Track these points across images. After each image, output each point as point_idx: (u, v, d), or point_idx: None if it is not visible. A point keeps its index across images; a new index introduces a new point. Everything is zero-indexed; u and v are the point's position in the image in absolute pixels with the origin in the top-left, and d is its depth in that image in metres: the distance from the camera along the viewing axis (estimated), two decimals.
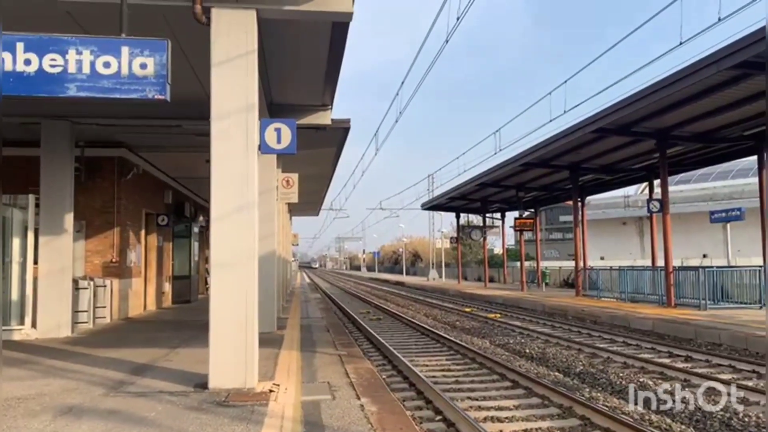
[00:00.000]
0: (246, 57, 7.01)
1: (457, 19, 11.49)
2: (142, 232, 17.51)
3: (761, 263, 18.32)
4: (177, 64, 7.40)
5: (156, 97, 6.33)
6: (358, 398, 6.35)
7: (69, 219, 12.06)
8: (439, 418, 7.18)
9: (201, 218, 25.41)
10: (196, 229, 23.05)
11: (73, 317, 12.32)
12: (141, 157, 16.31)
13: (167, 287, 20.54)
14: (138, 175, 16.20)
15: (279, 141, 7.36)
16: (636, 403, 7.89)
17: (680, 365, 10.36)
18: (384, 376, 9.23)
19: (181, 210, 21.60)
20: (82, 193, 13.81)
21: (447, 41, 11.43)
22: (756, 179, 20.71)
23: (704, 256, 42.68)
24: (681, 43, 11.71)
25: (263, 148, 7.33)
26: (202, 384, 6.79)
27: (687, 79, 13.02)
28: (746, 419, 6.82)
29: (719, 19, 10.73)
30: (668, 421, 6.97)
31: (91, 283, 13.56)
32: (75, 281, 12.74)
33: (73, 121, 12.17)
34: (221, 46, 6.95)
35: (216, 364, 6.75)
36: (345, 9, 7.41)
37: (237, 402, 6.07)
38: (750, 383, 8.80)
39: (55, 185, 11.94)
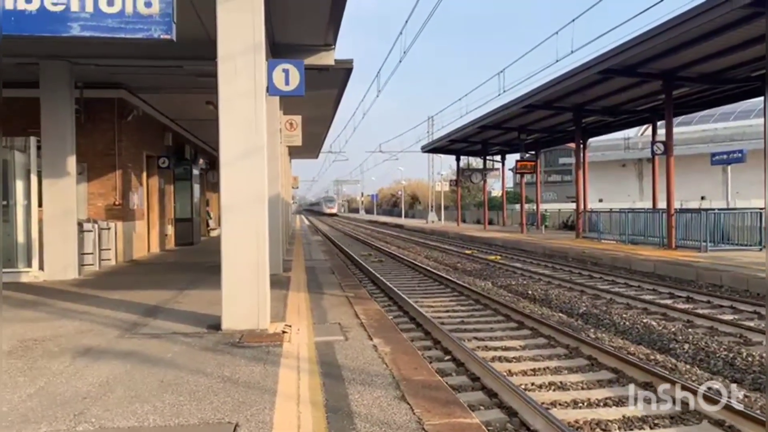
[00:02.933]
0: None
1: None
2: (144, 175, 17.43)
3: (761, 205, 18.37)
4: (178, 2, 7.20)
5: (162, 36, 6.17)
6: (371, 339, 6.45)
7: (71, 161, 11.97)
8: (447, 357, 7.32)
9: (201, 160, 25.28)
10: (196, 172, 22.97)
11: (79, 259, 12.38)
12: (141, 98, 16.08)
13: (170, 229, 20.61)
14: (138, 117, 16.00)
15: (287, 82, 7.24)
16: (639, 344, 8.08)
17: (682, 306, 10.52)
18: (390, 317, 9.36)
19: (181, 152, 21.46)
20: (83, 135, 13.63)
21: None
22: (758, 121, 20.52)
23: (702, 198, 42.76)
24: None
25: (271, 89, 7.22)
26: (215, 325, 6.87)
27: (698, 18, 12.73)
28: (749, 359, 6.95)
29: None
30: (673, 360, 7.11)
31: (96, 225, 13.58)
32: (79, 224, 12.74)
33: (71, 61, 11.92)
34: None
35: (229, 306, 6.80)
36: None
37: (252, 343, 6.16)
38: (751, 323, 8.96)
39: (56, 127, 11.79)
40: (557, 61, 25.01)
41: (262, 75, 6.90)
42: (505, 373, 6.41)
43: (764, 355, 7.08)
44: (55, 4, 6.01)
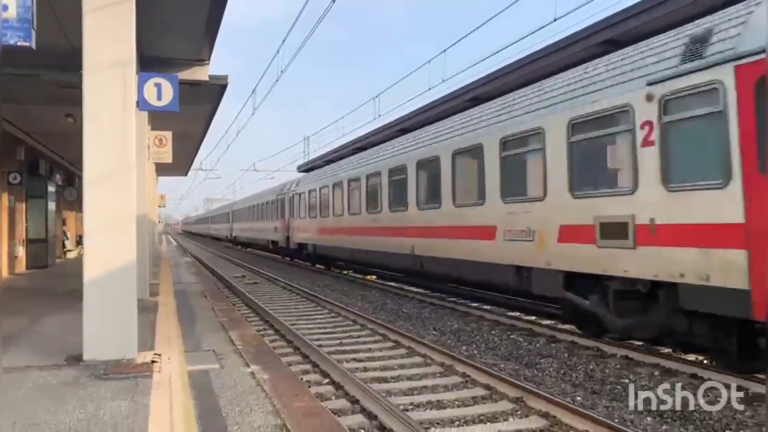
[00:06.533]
0: (122, 4, 6.46)
1: None
2: None
3: None
4: (38, 8, 6.70)
5: (19, 43, 5.70)
6: (248, 366, 6.25)
7: None
8: (326, 381, 7.24)
9: (57, 177, 23.50)
10: (52, 189, 21.31)
11: None
12: None
13: (21, 251, 18.89)
14: None
15: (159, 97, 6.94)
16: (508, 360, 8.46)
17: (546, 322, 11.16)
18: (267, 341, 9.13)
19: (35, 168, 19.78)
20: None
21: (334, 1, 11.17)
22: None
23: None
24: (555, 20, 12.30)
25: (142, 104, 6.89)
26: (75, 356, 6.35)
27: (557, 54, 13.71)
28: (606, 371, 7.51)
29: None
30: (538, 374, 7.52)
31: None
32: None
33: None
34: None
35: (91, 335, 6.32)
36: None
37: (118, 374, 5.75)
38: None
39: None
40: (429, 89, 25.63)
41: (132, 89, 6.56)
42: (384, 394, 6.43)
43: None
44: None
